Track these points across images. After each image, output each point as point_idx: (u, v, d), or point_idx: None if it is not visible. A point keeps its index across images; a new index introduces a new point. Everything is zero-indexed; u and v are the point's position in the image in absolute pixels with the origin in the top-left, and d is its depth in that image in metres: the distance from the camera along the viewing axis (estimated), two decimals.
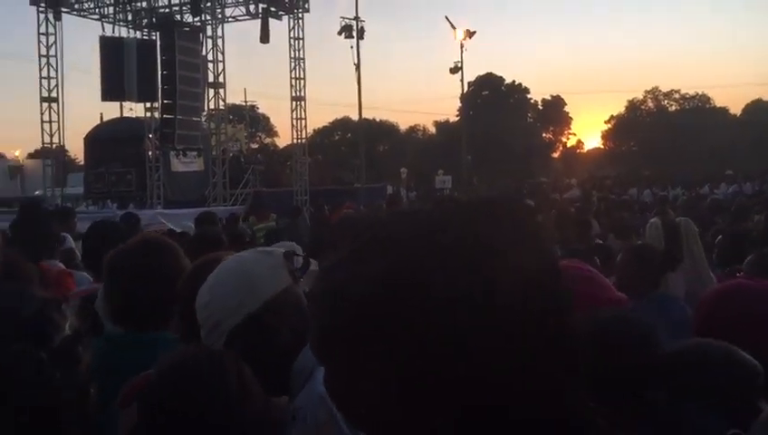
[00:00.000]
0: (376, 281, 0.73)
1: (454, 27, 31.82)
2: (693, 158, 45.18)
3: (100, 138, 23.16)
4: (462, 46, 31.81)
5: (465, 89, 36.24)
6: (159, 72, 19.48)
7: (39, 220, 3.61)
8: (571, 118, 63.24)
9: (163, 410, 1.33)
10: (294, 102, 21.34)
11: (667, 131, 52.94)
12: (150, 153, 21.14)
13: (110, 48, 19.65)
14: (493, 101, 56.10)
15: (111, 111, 25.89)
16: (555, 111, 61.03)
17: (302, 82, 21.22)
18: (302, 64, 21.15)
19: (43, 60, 19.21)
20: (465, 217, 0.75)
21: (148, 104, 20.88)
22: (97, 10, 20.53)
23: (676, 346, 1.81)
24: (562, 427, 0.74)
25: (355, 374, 0.75)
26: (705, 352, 1.74)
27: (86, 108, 66.80)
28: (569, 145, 64.40)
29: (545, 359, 0.73)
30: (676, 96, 61.48)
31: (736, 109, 60.15)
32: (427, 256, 0.72)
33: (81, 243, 4.34)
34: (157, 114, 20.37)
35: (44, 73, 19.23)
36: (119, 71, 19.38)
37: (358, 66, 26.39)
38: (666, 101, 62.03)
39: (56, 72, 19.28)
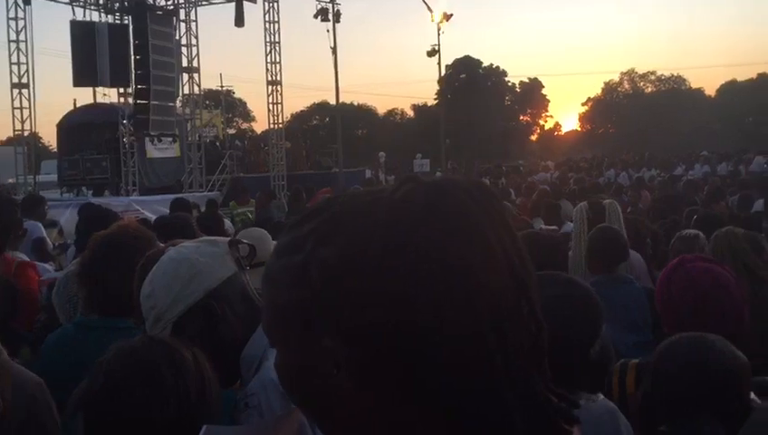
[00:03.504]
0: (334, 262, 0.72)
1: (431, 10, 31.71)
2: (669, 139, 45.58)
3: (73, 124, 22.82)
4: (439, 29, 31.73)
5: (443, 72, 36.20)
6: (132, 57, 19.25)
7: None
8: (548, 100, 63.57)
9: (113, 415, 1.29)
10: (270, 87, 21.22)
11: (643, 113, 53.34)
12: (125, 139, 20.89)
13: (81, 33, 19.33)
14: (470, 84, 56.07)
15: (85, 96, 25.59)
16: (533, 94, 61.23)
17: (277, 66, 21.09)
18: (277, 48, 21.03)
19: (13, 45, 18.85)
20: (428, 199, 0.73)
21: (122, 90, 20.61)
22: None
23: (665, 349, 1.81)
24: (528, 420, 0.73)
25: (308, 355, 0.74)
26: (685, 354, 1.74)
27: (59, 94, 66.07)
28: (546, 128, 64.79)
29: (515, 342, 0.73)
30: (652, 78, 61.97)
31: (711, 90, 60.79)
32: (387, 239, 0.71)
33: (76, 226, 4.31)
34: (130, 100, 20.13)
35: (14, 59, 18.86)
36: (90, 56, 19.09)
37: (334, 50, 26.20)
38: (642, 83, 62.47)
39: (26, 57, 18.95)
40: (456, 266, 0.70)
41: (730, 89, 57.84)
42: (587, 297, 1.75)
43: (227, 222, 7.05)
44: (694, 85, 60.59)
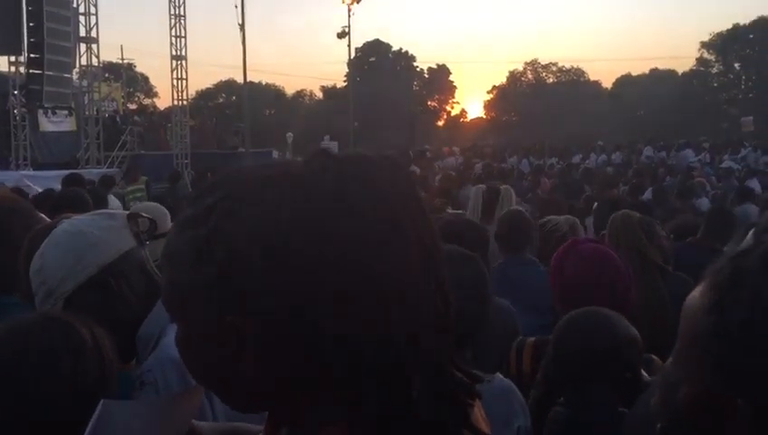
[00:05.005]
0: (241, 238, 0.70)
1: None
2: (567, 128, 47.27)
3: None
4: (349, 11, 31.60)
5: (353, 54, 36.11)
6: (25, 24, 18.12)
7: None
8: (455, 87, 64.55)
9: None
10: (175, 62, 20.52)
11: (545, 103, 55.06)
12: (16, 111, 19.70)
13: None
14: (379, 67, 56.22)
15: None
16: (440, 80, 62.02)
17: (182, 40, 20.43)
18: (182, 22, 20.35)
19: None
20: (339, 176, 0.72)
21: (13, 58, 19.39)
22: None
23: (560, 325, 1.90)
24: (434, 395, 0.73)
25: (211, 331, 0.72)
26: (585, 326, 1.83)
27: None
28: (453, 114, 65.80)
29: (422, 321, 0.72)
30: (554, 69, 64.00)
31: (608, 83, 63.47)
32: (297, 212, 0.70)
33: None
34: (22, 69, 18.97)
35: None
36: None
37: (242, 27, 25.61)
38: (544, 74, 64.42)
39: None
40: (366, 246, 0.69)
41: (624, 82, 60.56)
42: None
43: (115, 200, 6.80)
44: (592, 78, 63.19)
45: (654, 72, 59.70)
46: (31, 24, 17.98)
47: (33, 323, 1.27)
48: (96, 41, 19.31)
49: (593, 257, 2.32)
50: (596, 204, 5.69)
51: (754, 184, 11.48)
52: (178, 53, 20.48)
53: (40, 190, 10.22)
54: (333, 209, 0.70)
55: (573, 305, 1.97)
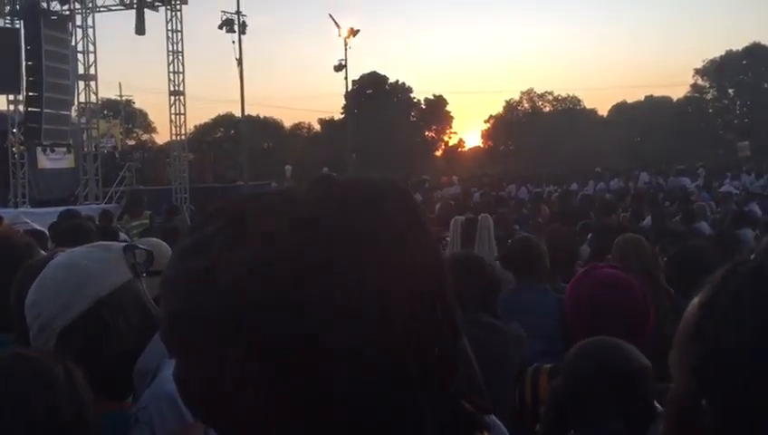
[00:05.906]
0: (244, 267, 0.67)
1: (338, 25, 31.87)
2: (565, 156, 47.49)
3: None
4: (346, 44, 31.92)
5: (350, 87, 36.40)
6: (24, 63, 18.29)
7: None
8: (452, 117, 64.98)
9: None
10: (173, 97, 20.68)
11: (541, 131, 55.39)
12: (14, 149, 19.80)
13: None
14: (377, 99, 56.65)
15: None
16: (437, 111, 62.44)
17: (180, 76, 20.61)
18: (180, 58, 20.53)
19: None
20: (344, 199, 0.70)
21: (11, 96, 19.54)
22: None
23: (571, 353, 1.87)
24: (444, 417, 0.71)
25: (213, 365, 0.69)
26: (597, 356, 1.79)
27: None
28: (450, 144, 66.10)
29: (431, 346, 0.70)
30: (550, 98, 64.49)
31: (603, 110, 63.92)
32: (301, 239, 0.67)
33: None
34: (21, 107, 19.10)
35: None
36: None
37: (240, 62, 25.86)
38: (540, 102, 64.91)
39: None
40: (373, 273, 0.67)
41: (620, 110, 61.01)
42: None
43: (122, 235, 6.78)
44: (588, 105, 63.64)
45: (649, 98, 60.16)
46: (29, 63, 18.14)
47: (4, 360, 1.25)
48: (95, 78, 19.51)
49: (608, 283, 2.30)
50: (589, 235, 5.72)
51: (755, 208, 11.50)
52: (176, 88, 20.66)
53: (37, 228, 10.23)
54: (338, 236, 0.68)
55: (585, 330, 1.94)
